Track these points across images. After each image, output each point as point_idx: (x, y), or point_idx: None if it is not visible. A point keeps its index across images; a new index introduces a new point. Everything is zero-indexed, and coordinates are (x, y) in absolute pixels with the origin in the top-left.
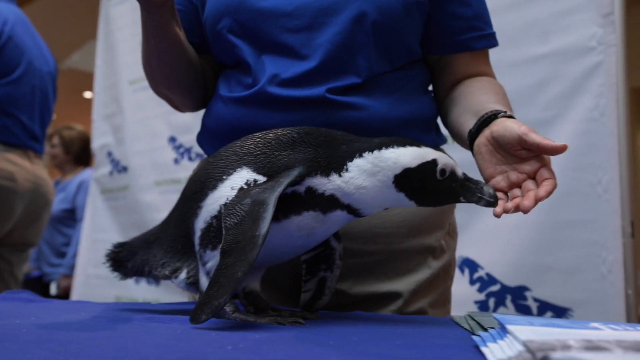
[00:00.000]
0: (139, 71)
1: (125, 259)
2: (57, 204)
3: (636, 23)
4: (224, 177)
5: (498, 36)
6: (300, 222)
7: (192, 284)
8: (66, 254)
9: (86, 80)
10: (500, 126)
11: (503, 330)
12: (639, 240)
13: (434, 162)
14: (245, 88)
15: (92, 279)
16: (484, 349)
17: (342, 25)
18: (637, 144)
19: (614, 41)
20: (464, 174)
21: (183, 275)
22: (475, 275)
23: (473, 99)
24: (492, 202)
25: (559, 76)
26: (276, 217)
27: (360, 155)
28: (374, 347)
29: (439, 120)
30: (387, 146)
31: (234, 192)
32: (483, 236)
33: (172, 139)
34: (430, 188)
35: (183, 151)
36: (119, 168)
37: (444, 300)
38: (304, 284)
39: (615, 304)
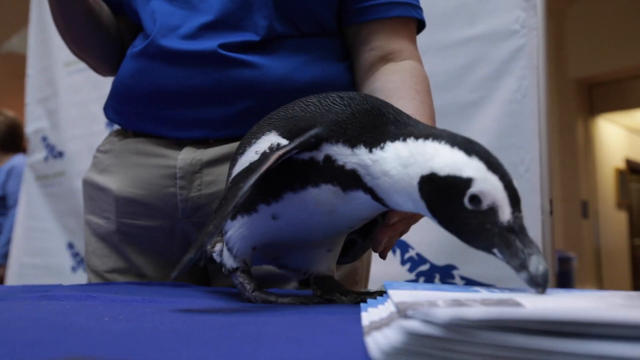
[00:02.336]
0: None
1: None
2: None
3: (580, 16)
4: (253, 141)
5: (429, 19)
6: (318, 195)
7: None
8: None
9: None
10: None
11: (387, 296)
12: (556, 218)
13: (467, 181)
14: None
15: (28, 269)
16: (363, 314)
17: None
18: (576, 132)
19: (535, 24)
20: (517, 220)
21: (218, 247)
22: (406, 256)
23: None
24: (537, 283)
25: (485, 58)
26: (292, 187)
27: (405, 140)
28: (255, 314)
29: None
30: (434, 138)
31: (257, 157)
32: None
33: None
34: (454, 213)
35: None
36: (55, 153)
37: (352, 280)
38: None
39: None
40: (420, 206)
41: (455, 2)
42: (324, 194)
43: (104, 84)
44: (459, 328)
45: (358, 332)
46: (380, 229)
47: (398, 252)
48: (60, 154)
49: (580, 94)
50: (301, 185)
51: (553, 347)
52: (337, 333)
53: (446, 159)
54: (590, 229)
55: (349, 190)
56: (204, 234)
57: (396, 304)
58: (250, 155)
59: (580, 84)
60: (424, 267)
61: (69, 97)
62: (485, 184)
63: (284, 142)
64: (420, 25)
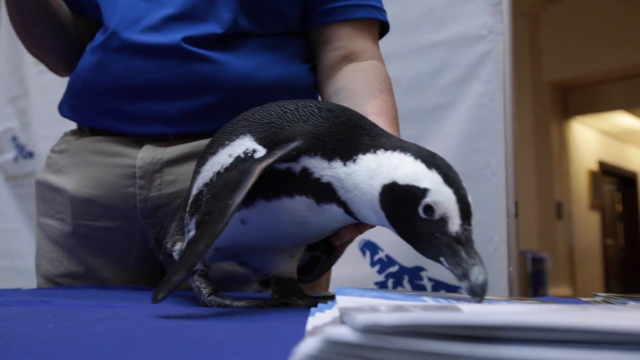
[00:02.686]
0: None
1: (163, 237)
2: None
3: (554, 21)
4: (226, 142)
5: (398, 24)
6: (291, 206)
7: None
8: None
9: None
10: None
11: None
12: (521, 220)
13: (423, 191)
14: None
15: None
16: (309, 319)
17: None
18: (551, 134)
19: (502, 30)
20: (465, 232)
21: (179, 246)
22: (376, 257)
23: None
24: (476, 293)
25: (453, 63)
26: (266, 196)
27: (375, 152)
28: (204, 320)
29: None
30: (402, 150)
31: (231, 160)
32: None
33: None
34: (409, 221)
35: None
36: (25, 154)
37: (313, 284)
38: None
39: (499, 280)
40: (381, 217)
41: (423, 7)
42: (297, 205)
43: None
44: (374, 334)
45: (299, 339)
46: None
47: (368, 254)
48: (30, 154)
49: (554, 97)
50: (275, 194)
51: (463, 351)
52: (277, 340)
53: (407, 170)
54: (564, 229)
55: (323, 203)
56: (195, 254)
57: (340, 309)
58: (223, 157)
59: (555, 87)
60: (393, 269)
61: (39, 97)
62: (440, 195)
63: (259, 148)
64: (384, 27)
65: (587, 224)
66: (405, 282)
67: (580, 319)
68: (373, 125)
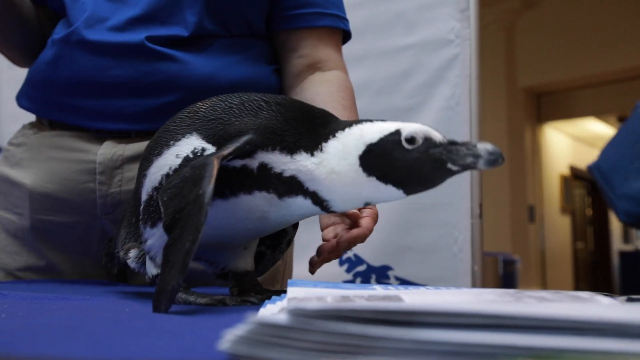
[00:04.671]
0: None
1: (114, 250)
2: None
3: (529, 28)
4: (171, 142)
5: (369, 27)
6: (250, 202)
7: (142, 263)
8: None
9: None
10: None
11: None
12: (487, 220)
13: (397, 132)
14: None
15: None
16: (260, 310)
17: None
18: (524, 139)
19: (468, 35)
20: (448, 139)
21: (133, 253)
22: (344, 256)
23: None
24: (495, 160)
25: (422, 66)
26: (222, 193)
27: (334, 136)
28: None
29: None
30: (355, 123)
31: (179, 161)
32: None
33: None
34: (402, 162)
35: None
36: None
37: (273, 280)
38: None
39: (464, 280)
40: (374, 187)
41: (394, 11)
42: (256, 201)
43: None
44: (299, 317)
45: None
46: (324, 250)
47: None
48: None
49: (528, 103)
50: (232, 192)
51: (380, 333)
52: (219, 327)
53: (372, 130)
54: (535, 232)
55: (286, 197)
56: (184, 253)
57: (288, 299)
58: (170, 158)
59: (529, 92)
60: (361, 268)
61: (9, 91)
62: (411, 127)
63: (208, 147)
64: (346, 36)
65: (558, 227)
66: (373, 281)
67: (491, 307)
68: (323, 113)
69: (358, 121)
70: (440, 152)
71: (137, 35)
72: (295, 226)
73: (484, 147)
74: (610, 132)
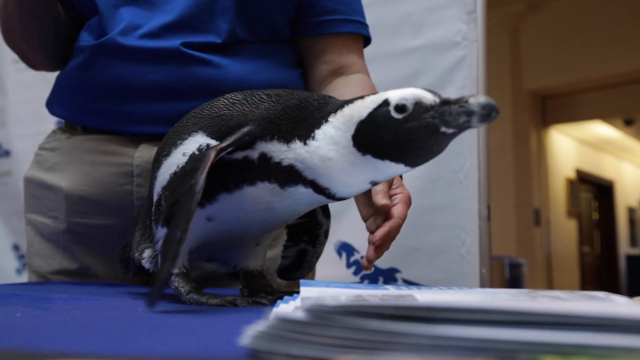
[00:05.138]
0: None
1: (128, 254)
2: None
3: (534, 31)
4: (178, 142)
5: (376, 29)
6: (254, 193)
7: (157, 263)
8: None
9: None
10: None
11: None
12: (493, 223)
13: (385, 102)
14: (98, 38)
15: None
16: (273, 309)
17: None
18: (530, 142)
19: (476, 37)
20: (440, 98)
21: (147, 253)
22: (352, 259)
23: None
24: (488, 115)
25: (429, 68)
26: (227, 187)
27: (327, 120)
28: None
29: None
30: (347, 103)
31: (185, 159)
32: (359, 221)
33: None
34: (394, 134)
35: None
36: (1, 152)
37: (297, 284)
38: (284, 250)
39: (472, 283)
40: (372, 165)
41: (401, 13)
42: (260, 191)
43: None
44: (319, 314)
45: None
46: (370, 254)
47: (344, 255)
48: (6, 153)
49: (534, 105)
50: (236, 185)
51: (401, 329)
52: (234, 326)
53: (360, 107)
54: (541, 236)
55: (287, 186)
56: (175, 241)
57: (301, 298)
58: (178, 157)
59: (534, 95)
60: (369, 270)
61: (17, 95)
62: (399, 93)
63: (213, 142)
64: (366, 42)
65: (564, 231)
66: (381, 283)
67: (511, 304)
68: (321, 98)
69: (351, 100)
70: (432, 116)
71: (172, 42)
72: (328, 216)
73: (476, 101)
74: (616, 135)
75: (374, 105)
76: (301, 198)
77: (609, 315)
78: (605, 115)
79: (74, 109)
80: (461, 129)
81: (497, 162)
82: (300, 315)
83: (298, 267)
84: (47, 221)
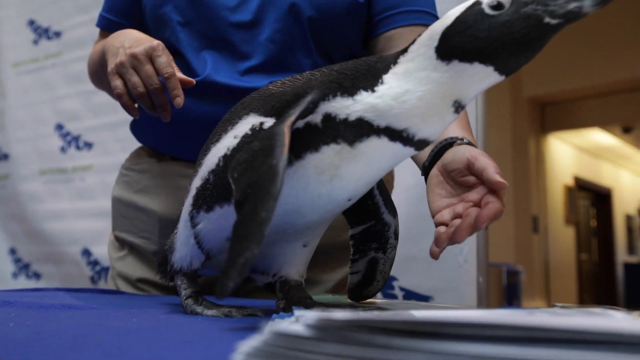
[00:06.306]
0: (23, 53)
1: (165, 260)
2: None
3: None
4: (229, 127)
5: None
6: (318, 161)
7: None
8: None
9: None
10: (450, 153)
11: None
12: (492, 230)
13: (476, 2)
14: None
15: None
16: (269, 323)
17: (281, 23)
18: (529, 148)
19: None
20: None
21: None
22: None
23: None
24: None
25: None
26: (288, 161)
27: (395, 63)
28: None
29: None
30: (420, 35)
31: (237, 141)
32: None
33: (59, 127)
34: (488, 30)
35: (70, 139)
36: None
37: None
38: (352, 264)
39: (469, 291)
40: (454, 76)
41: None
42: (325, 157)
43: (54, 87)
44: (325, 328)
45: None
46: (442, 238)
47: None
48: (5, 156)
49: (533, 112)
50: (297, 155)
51: (408, 345)
52: (231, 339)
53: (442, 20)
54: (539, 243)
55: (358, 141)
56: (259, 222)
57: (296, 315)
58: (229, 140)
59: (533, 102)
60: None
61: (17, 99)
62: None
63: (267, 120)
64: None
65: (562, 238)
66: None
67: (520, 319)
68: (373, 56)
69: (420, 34)
70: (534, 8)
71: (260, 81)
72: (395, 214)
73: None
74: (615, 142)
75: (462, 9)
76: (373, 155)
77: (614, 331)
78: (603, 123)
79: (163, 139)
80: (569, 18)
81: None
82: (299, 329)
83: (370, 281)
84: (138, 241)
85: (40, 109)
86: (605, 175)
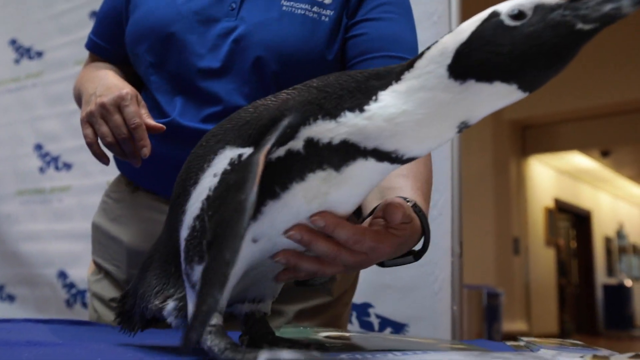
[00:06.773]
0: (4, 72)
1: (131, 307)
2: None
3: None
4: (205, 165)
5: None
6: (306, 190)
7: (184, 315)
8: None
9: None
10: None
11: None
12: (472, 252)
13: (494, 14)
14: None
15: None
16: None
17: (246, 74)
18: (510, 171)
19: None
20: None
21: (172, 304)
22: None
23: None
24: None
25: None
26: (272, 193)
27: (398, 79)
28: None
29: None
30: (428, 49)
31: (217, 179)
32: None
33: (38, 147)
34: (511, 44)
35: (49, 160)
36: None
37: (337, 325)
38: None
39: (443, 319)
40: (469, 97)
41: None
42: (313, 185)
43: (34, 106)
44: None
45: None
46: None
47: None
48: None
49: (513, 135)
50: (283, 186)
51: None
52: None
53: (455, 35)
54: (520, 265)
55: (344, 166)
56: (223, 264)
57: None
58: (208, 180)
59: (514, 125)
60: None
61: None
62: (509, 2)
63: (246, 150)
64: None
65: (542, 259)
66: (354, 319)
67: None
68: (365, 71)
69: (428, 47)
70: (562, 14)
71: None
72: (358, 215)
73: None
74: (594, 165)
75: (477, 23)
76: (362, 176)
77: None
78: (583, 146)
79: (134, 171)
80: (605, 21)
81: (477, 191)
82: None
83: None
84: (110, 268)
85: (19, 129)
86: (584, 197)
